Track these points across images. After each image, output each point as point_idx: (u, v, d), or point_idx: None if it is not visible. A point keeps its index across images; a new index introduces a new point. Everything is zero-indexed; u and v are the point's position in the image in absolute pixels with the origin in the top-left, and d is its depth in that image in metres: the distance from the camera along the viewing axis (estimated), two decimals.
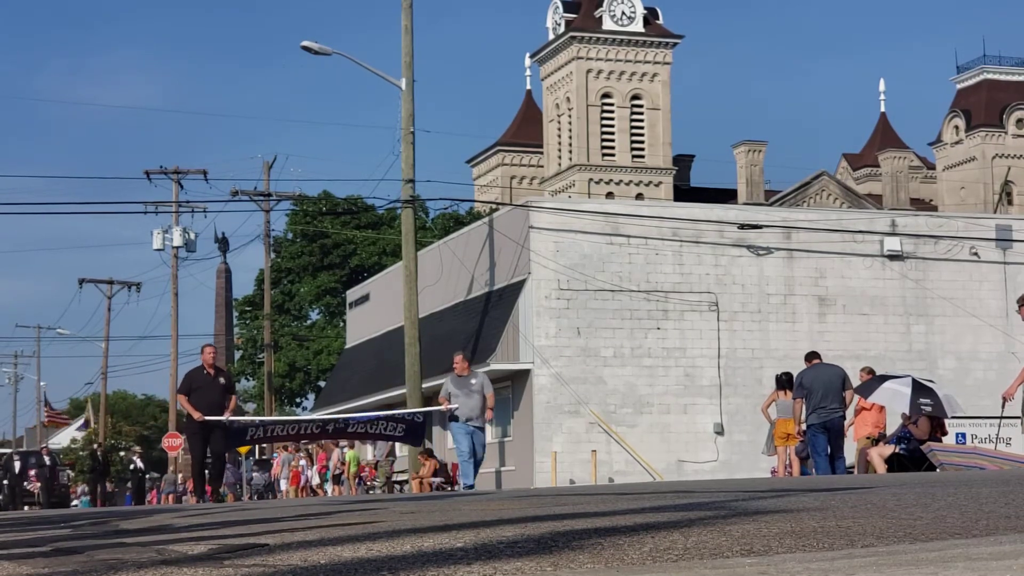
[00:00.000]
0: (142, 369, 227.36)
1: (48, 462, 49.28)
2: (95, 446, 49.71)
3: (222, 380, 20.52)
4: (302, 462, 41.79)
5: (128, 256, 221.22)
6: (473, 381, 21.69)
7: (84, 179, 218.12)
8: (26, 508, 44.25)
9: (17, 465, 48.45)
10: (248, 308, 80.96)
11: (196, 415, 19.85)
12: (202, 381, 20.28)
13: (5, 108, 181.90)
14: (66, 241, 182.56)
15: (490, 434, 37.44)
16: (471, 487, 21.30)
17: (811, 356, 21.81)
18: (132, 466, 50.05)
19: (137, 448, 54.01)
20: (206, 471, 20.55)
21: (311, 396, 76.74)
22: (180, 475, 55.78)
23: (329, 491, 39.18)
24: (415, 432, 23.68)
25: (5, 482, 48.32)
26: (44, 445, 63.56)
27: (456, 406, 21.43)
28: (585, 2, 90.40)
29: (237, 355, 72.52)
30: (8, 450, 65.23)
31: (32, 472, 48.08)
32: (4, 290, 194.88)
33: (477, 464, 21.58)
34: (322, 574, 4.60)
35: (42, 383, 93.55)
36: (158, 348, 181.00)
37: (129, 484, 53.29)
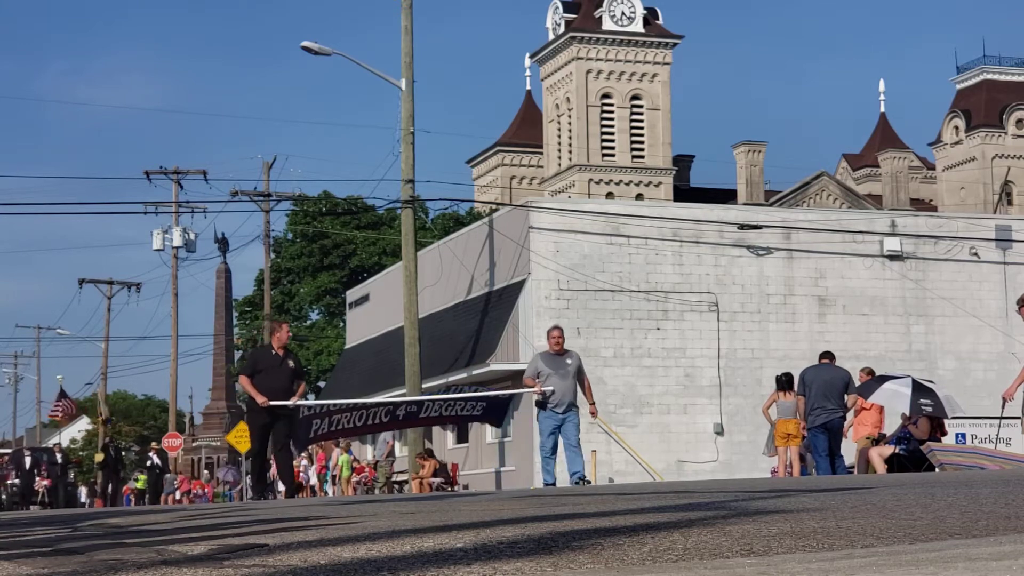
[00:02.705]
0: (142, 369, 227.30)
1: (60, 460, 49.17)
2: (107, 440, 49.54)
3: (291, 363, 18.02)
4: (303, 462, 41.77)
5: (128, 256, 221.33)
6: (569, 361, 18.59)
7: (84, 179, 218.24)
8: (31, 507, 44.03)
9: (28, 462, 48.22)
10: (248, 308, 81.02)
11: (260, 399, 17.49)
12: (269, 362, 17.90)
13: (5, 108, 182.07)
14: (66, 241, 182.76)
15: (490, 434, 37.47)
16: (551, 484, 18.75)
17: (823, 355, 21.67)
18: (149, 462, 49.81)
19: (154, 444, 53.79)
20: (267, 464, 17.77)
21: (311, 396, 76.74)
22: (180, 475, 55.77)
23: (329, 492, 39.18)
24: (497, 410, 21.17)
25: (9, 482, 48.17)
26: (57, 442, 63.54)
27: (551, 388, 18.36)
28: (585, 2, 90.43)
29: (237, 355, 72.55)
30: (19, 447, 65.15)
31: (43, 469, 47.93)
32: (4, 290, 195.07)
33: (574, 450, 18.64)
34: (322, 574, 4.60)
35: (58, 376, 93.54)
36: (158, 348, 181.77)
37: (139, 482, 52.97)
